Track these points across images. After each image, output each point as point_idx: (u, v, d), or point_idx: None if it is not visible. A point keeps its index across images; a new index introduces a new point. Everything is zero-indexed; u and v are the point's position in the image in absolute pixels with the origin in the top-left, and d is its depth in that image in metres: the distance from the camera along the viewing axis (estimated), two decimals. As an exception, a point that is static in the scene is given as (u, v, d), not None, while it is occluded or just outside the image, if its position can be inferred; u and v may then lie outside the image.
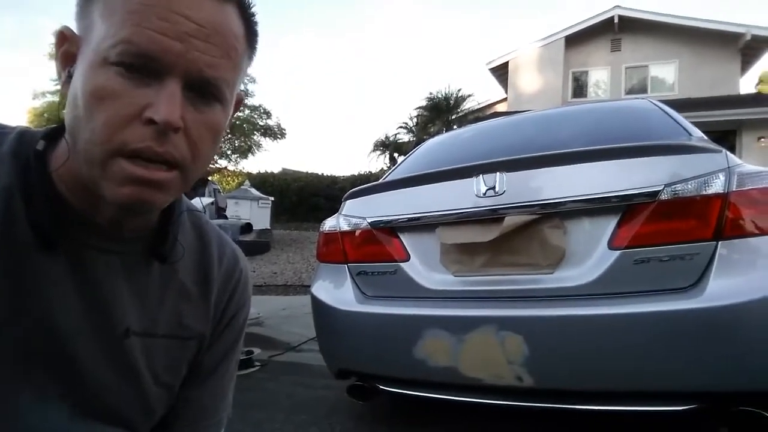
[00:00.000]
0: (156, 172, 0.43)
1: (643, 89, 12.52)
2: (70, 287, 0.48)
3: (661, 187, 1.31)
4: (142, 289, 0.54)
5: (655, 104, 2.04)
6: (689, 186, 1.30)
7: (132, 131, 0.41)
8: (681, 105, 6.72)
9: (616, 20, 12.44)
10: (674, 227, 1.31)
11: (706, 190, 1.29)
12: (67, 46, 0.46)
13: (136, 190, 0.43)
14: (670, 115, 1.86)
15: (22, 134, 0.50)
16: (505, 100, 14.36)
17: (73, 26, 0.46)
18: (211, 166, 15.31)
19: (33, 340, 0.46)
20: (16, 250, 0.45)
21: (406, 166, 2.18)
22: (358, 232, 1.77)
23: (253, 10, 0.49)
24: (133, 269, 0.53)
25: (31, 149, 0.48)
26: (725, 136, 9.48)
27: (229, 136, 15.19)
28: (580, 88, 13.48)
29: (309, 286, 1.96)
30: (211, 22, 0.43)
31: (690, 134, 1.67)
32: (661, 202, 1.31)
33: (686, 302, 1.24)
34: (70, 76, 0.45)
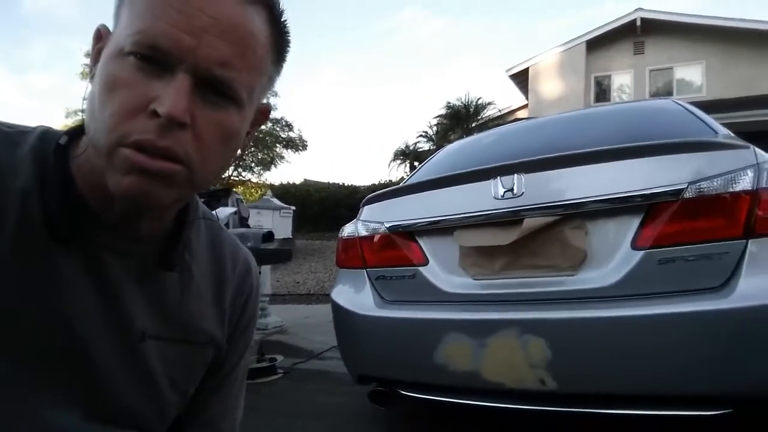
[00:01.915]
0: (157, 161, 0.41)
1: (668, 92, 12.21)
2: (87, 288, 0.47)
3: (685, 186, 1.28)
4: (158, 293, 0.53)
5: (678, 103, 2.00)
6: (715, 183, 1.27)
7: (137, 122, 0.40)
8: (711, 106, 6.52)
9: (638, 23, 12.22)
10: (700, 226, 1.28)
11: (733, 187, 1.25)
12: (100, 44, 0.46)
13: (140, 181, 0.41)
14: (694, 114, 1.82)
15: (45, 133, 0.49)
16: (526, 106, 14.23)
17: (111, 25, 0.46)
18: (234, 178, 15.62)
19: (50, 342, 0.46)
20: (32, 250, 0.44)
21: (425, 171, 2.17)
22: (376, 237, 1.78)
23: (283, 17, 0.47)
24: (149, 273, 0.52)
25: (53, 147, 0.47)
26: (763, 137, 9.09)
27: (253, 149, 15.49)
28: (603, 93, 13.26)
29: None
30: (227, 18, 0.42)
31: (716, 132, 1.62)
32: (686, 200, 1.28)
33: (716, 302, 1.20)
34: None
